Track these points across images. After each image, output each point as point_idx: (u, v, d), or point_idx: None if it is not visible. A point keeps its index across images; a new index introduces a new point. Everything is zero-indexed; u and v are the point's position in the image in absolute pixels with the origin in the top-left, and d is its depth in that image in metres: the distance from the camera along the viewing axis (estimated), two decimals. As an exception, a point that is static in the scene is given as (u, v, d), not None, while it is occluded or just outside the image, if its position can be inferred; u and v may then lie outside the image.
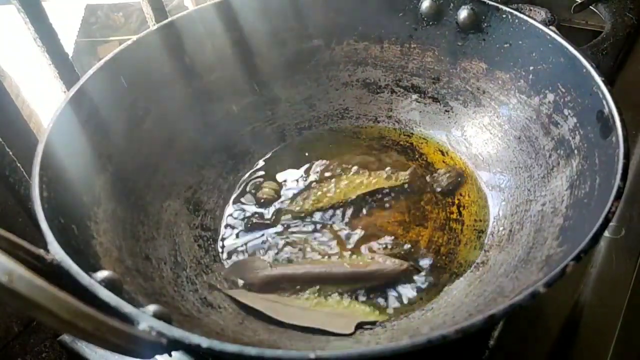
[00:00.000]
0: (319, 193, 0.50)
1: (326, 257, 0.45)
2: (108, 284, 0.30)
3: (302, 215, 0.48)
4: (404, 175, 0.50)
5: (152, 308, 0.29)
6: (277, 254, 0.45)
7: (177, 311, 0.37)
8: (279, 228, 0.48)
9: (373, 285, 0.42)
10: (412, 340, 0.27)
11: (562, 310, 0.42)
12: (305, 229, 0.47)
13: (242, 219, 0.49)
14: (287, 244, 0.46)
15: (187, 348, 0.29)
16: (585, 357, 0.40)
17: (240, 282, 0.44)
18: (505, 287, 0.38)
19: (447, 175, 0.48)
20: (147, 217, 0.45)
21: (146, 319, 0.28)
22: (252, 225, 0.48)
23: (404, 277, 0.43)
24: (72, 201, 0.38)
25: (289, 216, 0.48)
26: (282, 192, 0.51)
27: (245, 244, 0.47)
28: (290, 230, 0.47)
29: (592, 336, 0.41)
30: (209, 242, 0.47)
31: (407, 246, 0.45)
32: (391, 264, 0.43)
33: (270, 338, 0.38)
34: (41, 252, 0.30)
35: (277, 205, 0.49)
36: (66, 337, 0.43)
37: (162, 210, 0.46)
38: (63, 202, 0.37)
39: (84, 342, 0.42)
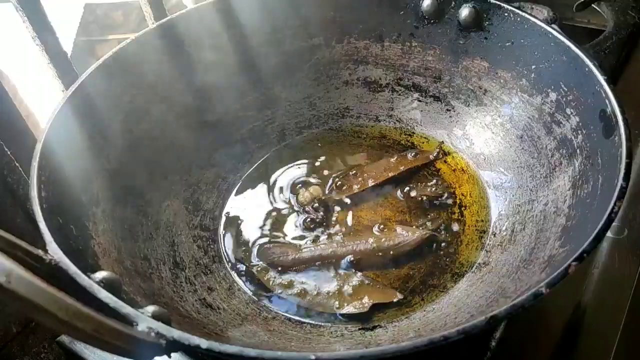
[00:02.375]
0: (350, 182, 0.51)
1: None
2: (107, 284, 0.30)
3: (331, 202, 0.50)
4: (432, 153, 0.51)
5: (150, 309, 0.29)
6: (302, 239, 0.47)
7: (176, 312, 0.37)
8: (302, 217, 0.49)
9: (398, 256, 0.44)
10: (414, 341, 0.26)
11: (565, 310, 0.42)
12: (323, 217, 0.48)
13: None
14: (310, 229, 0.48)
15: (187, 349, 0.29)
16: (588, 358, 0.40)
17: (270, 265, 0.45)
18: (507, 288, 0.38)
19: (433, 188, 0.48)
20: (146, 217, 0.45)
21: (145, 320, 0.27)
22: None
23: (426, 244, 0.45)
24: (71, 201, 0.38)
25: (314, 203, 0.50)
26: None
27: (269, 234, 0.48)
28: (313, 218, 0.48)
29: (594, 337, 0.41)
30: (208, 243, 0.47)
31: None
32: (412, 234, 0.45)
33: (270, 339, 0.38)
34: (40, 252, 0.30)
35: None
36: (65, 338, 0.43)
37: (161, 210, 0.46)
38: (61, 202, 0.36)
39: (82, 343, 0.41)
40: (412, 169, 0.51)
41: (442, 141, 0.52)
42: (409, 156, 0.52)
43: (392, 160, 0.52)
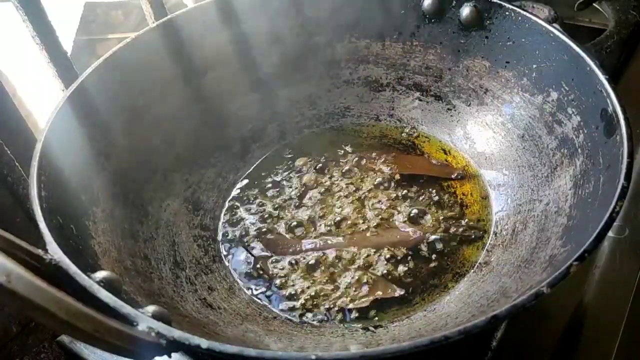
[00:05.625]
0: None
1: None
2: (107, 284, 0.30)
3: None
4: (454, 172, 0.50)
5: (151, 309, 0.29)
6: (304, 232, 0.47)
7: (176, 312, 0.37)
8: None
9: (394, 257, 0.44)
10: (414, 341, 0.26)
11: (566, 310, 0.42)
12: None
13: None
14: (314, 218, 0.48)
15: (187, 349, 0.29)
16: (589, 357, 0.40)
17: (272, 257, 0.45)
18: (508, 288, 0.38)
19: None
20: (146, 217, 0.45)
21: (145, 320, 0.27)
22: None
23: (427, 244, 0.45)
24: (71, 201, 0.38)
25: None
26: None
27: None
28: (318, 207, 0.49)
29: (596, 337, 0.41)
30: (208, 242, 0.47)
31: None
32: (413, 232, 0.45)
33: (271, 339, 0.38)
34: (40, 252, 0.30)
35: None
36: (65, 338, 0.43)
37: (161, 209, 0.46)
38: (61, 201, 0.36)
39: (82, 343, 0.41)
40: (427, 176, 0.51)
41: (466, 164, 0.51)
42: (434, 162, 0.52)
43: (417, 158, 0.52)
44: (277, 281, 0.43)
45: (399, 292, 0.42)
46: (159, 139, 0.49)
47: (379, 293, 0.42)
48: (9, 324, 0.47)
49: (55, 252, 0.30)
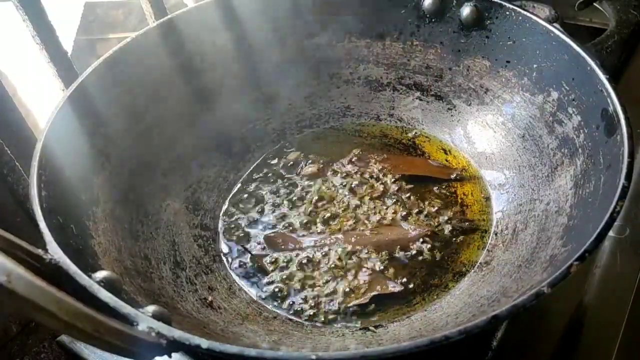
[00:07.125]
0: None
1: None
2: (107, 284, 0.30)
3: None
4: (453, 173, 0.50)
5: (151, 309, 0.29)
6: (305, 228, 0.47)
7: (176, 312, 0.37)
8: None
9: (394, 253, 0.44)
10: (415, 341, 0.26)
11: (566, 310, 0.42)
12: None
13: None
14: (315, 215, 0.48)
15: (187, 349, 0.29)
16: (589, 357, 0.40)
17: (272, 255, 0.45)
18: (508, 288, 0.38)
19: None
20: (146, 217, 0.45)
21: (145, 320, 0.27)
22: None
23: (427, 243, 0.45)
24: (71, 200, 0.38)
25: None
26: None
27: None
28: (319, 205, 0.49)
29: (596, 336, 0.41)
30: (208, 242, 0.47)
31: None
32: (412, 230, 0.45)
33: (271, 339, 0.38)
34: (40, 252, 0.30)
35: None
36: (65, 338, 0.43)
37: (161, 209, 0.46)
38: (61, 201, 0.36)
39: (82, 343, 0.41)
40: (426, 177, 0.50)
41: (466, 165, 0.51)
42: (433, 163, 0.52)
43: (417, 160, 0.52)
44: (277, 280, 0.43)
45: (398, 288, 0.42)
46: (159, 139, 0.49)
47: (378, 289, 0.42)
48: (9, 324, 0.47)
49: (55, 252, 0.30)
